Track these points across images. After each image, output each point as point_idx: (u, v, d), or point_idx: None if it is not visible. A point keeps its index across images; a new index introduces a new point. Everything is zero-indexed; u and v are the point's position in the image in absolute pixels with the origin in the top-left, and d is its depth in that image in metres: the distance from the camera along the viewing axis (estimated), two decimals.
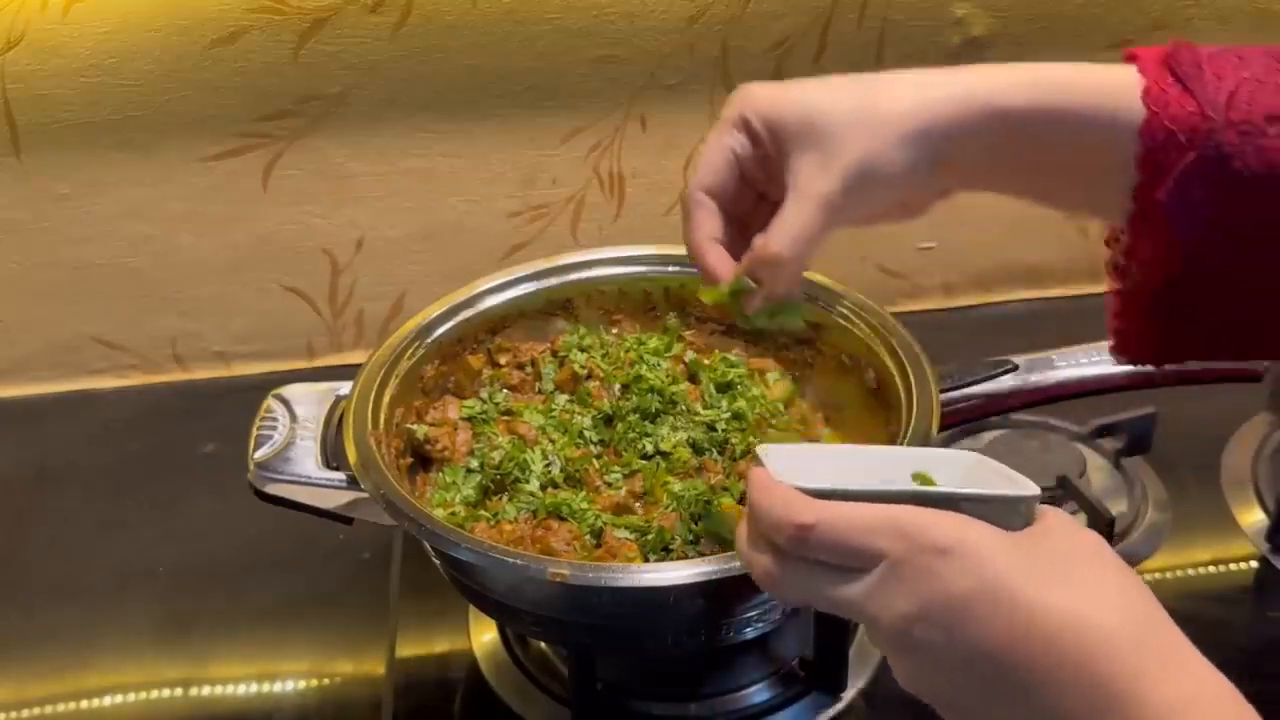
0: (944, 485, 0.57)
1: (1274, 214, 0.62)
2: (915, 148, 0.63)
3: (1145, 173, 0.63)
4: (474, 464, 0.84)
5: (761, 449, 0.60)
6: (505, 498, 0.82)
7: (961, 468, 0.60)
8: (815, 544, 0.53)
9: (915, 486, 0.57)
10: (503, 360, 0.92)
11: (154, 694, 0.88)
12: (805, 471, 0.56)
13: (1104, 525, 0.91)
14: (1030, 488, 0.55)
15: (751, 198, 0.69)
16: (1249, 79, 0.62)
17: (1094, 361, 0.90)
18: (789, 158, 0.65)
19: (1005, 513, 0.54)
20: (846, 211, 0.64)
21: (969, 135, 0.64)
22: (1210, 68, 0.63)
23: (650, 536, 0.77)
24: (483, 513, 0.81)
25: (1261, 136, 0.61)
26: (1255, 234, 0.63)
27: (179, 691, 0.88)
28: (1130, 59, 0.64)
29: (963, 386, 0.86)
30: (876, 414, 0.85)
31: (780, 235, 0.64)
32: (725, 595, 0.71)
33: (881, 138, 0.63)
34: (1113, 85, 0.63)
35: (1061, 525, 0.54)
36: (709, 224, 0.68)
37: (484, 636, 0.90)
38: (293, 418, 0.82)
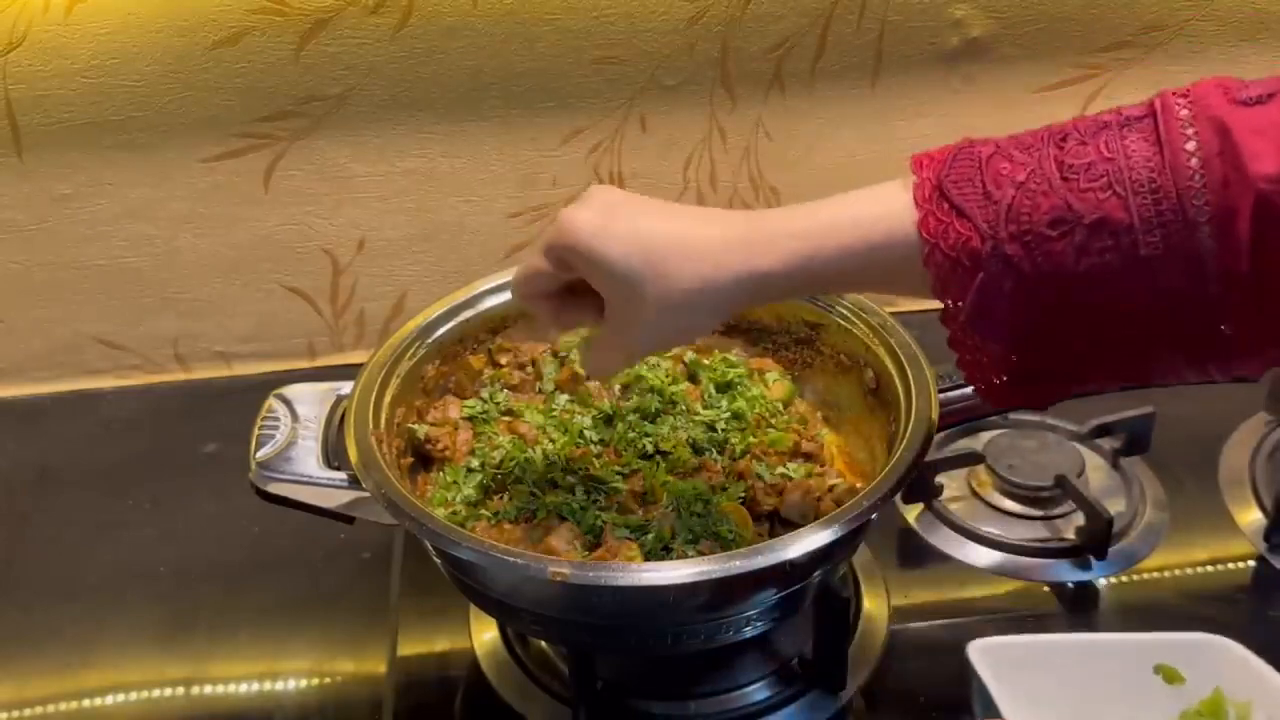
0: (1190, 679, 0.53)
1: (1080, 299, 0.61)
2: (706, 321, 0.67)
3: (942, 298, 0.63)
4: (475, 463, 0.85)
5: (974, 650, 0.54)
6: (506, 497, 0.82)
7: (1207, 656, 0.55)
8: None
9: None
10: (503, 360, 0.92)
11: (155, 693, 0.88)
12: (1035, 691, 0.50)
13: (1102, 525, 0.92)
14: None
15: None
16: (1025, 182, 0.60)
17: None
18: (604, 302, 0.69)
19: None
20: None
21: (762, 298, 0.66)
22: (987, 175, 0.61)
23: (650, 536, 0.77)
24: (483, 512, 0.81)
25: (1046, 242, 0.59)
26: (1068, 318, 0.62)
27: (180, 691, 0.88)
28: (915, 167, 0.64)
29: (961, 386, 0.86)
30: (876, 414, 0.86)
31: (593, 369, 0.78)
32: (725, 595, 0.72)
33: (672, 322, 0.66)
34: (899, 213, 0.63)
35: None
36: (545, 315, 0.74)
37: (485, 635, 0.90)
38: (294, 417, 0.83)
